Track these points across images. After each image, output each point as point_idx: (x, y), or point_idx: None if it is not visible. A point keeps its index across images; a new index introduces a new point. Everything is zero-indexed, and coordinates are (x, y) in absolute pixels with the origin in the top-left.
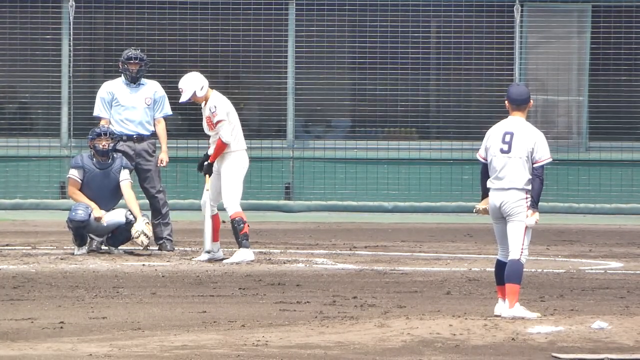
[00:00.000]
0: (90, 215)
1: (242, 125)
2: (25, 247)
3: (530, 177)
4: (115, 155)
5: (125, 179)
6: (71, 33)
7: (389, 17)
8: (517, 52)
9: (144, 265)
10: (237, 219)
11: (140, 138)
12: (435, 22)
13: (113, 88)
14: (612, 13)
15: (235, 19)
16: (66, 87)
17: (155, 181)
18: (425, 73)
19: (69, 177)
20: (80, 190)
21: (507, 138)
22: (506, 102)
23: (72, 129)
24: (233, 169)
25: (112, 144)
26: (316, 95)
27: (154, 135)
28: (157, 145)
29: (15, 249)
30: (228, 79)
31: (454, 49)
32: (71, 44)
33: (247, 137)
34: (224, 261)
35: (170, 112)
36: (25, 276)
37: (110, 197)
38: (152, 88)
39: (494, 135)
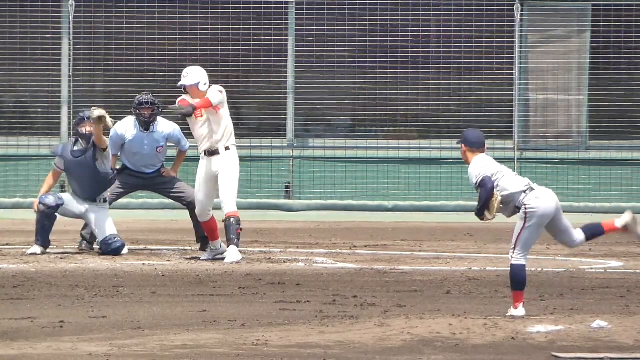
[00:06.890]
0: (59, 206)
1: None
2: (25, 247)
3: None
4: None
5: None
6: (71, 33)
7: (389, 17)
8: (517, 52)
9: (144, 264)
10: (237, 217)
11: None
12: (435, 22)
13: (125, 130)
14: (612, 12)
15: (235, 19)
16: (66, 87)
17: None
18: (425, 72)
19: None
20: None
21: None
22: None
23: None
24: (232, 168)
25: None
26: (316, 94)
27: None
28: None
29: (15, 248)
30: (228, 78)
31: (454, 48)
32: (71, 44)
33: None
34: (224, 261)
35: (186, 147)
36: (25, 275)
37: (90, 184)
38: (164, 132)
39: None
